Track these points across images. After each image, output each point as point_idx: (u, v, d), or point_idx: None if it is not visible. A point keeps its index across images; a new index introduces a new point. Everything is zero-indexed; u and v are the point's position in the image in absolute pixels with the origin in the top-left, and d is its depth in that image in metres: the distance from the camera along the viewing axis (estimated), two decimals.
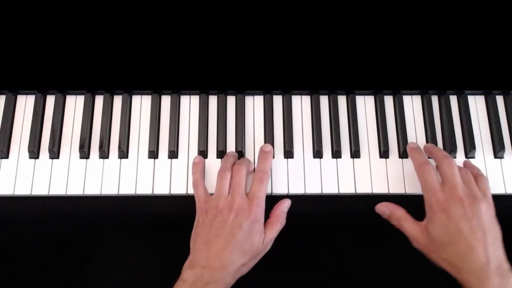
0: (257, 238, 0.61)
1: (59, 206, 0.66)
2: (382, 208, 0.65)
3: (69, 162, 0.67)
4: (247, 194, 0.63)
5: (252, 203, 0.61)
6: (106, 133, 0.68)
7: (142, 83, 0.70)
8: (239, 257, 0.60)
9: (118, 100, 0.71)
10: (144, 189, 0.66)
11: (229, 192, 0.62)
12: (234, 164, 0.65)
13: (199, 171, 0.66)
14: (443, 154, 0.64)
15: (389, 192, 0.66)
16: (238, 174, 0.63)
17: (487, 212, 0.59)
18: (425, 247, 0.61)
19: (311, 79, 0.70)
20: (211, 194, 0.64)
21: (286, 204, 0.66)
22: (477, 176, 0.64)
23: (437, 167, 0.63)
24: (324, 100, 0.71)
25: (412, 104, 0.72)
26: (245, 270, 0.62)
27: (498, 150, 0.68)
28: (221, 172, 0.64)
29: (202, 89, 0.71)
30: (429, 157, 0.66)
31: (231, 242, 0.60)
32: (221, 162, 0.66)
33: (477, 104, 0.72)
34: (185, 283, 0.59)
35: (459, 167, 0.63)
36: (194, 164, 0.66)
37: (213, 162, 0.67)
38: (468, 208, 0.58)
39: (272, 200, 0.66)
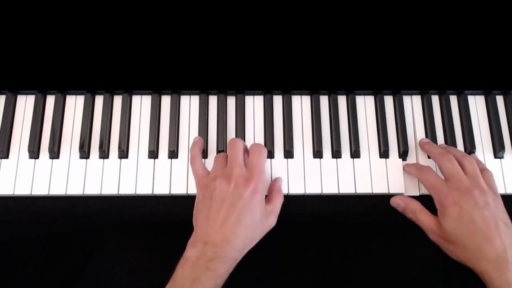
0: (258, 210, 0.60)
1: (59, 206, 0.66)
2: (397, 201, 0.65)
3: (69, 162, 0.67)
4: (245, 166, 0.62)
5: (252, 173, 0.61)
6: (106, 133, 0.68)
7: (142, 83, 0.70)
8: (242, 231, 0.59)
9: (118, 100, 0.71)
10: (144, 189, 0.66)
11: (226, 165, 0.62)
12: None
13: (198, 147, 0.66)
14: (440, 150, 0.64)
15: (389, 192, 0.66)
16: (234, 146, 0.63)
17: (496, 202, 0.60)
18: (442, 239, 0.61)
19: (311, 79, 0.70)
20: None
21: (280, 180, 0.66)
22: (482, 170, 0.64)
23: (438, 164, 0.64)
24: (324, 100, 0.71)
25: (412, 104, 0.72)
26: (250, 244, 0.60)
27: (498, 150, 0.68)
28: (216, 155, 0.64)
29: (202, 89, 0.71)
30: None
31: (233, 214, 0.58)
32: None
33: (477, 104, 0.72)
34: (188, 261, 0.58)
35: (465, 156, 0.64)
36: (194, 143, 0.67)
37: (213, 162, 0.67)
38: (478, 198, 0.59)
39: None
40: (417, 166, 0.65)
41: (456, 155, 0.64)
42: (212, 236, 0.58)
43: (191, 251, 0.58)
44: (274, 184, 0.65)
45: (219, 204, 0.59)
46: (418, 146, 0.69)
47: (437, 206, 0.61)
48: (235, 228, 0.58)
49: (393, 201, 0.65)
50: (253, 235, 0.60)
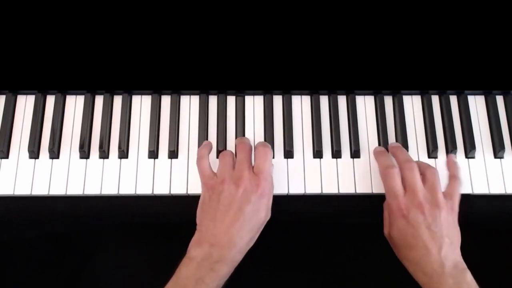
0: (264, 213, 0.60)
1: (59, 206, 0.66)
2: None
3: (69, 162, 0.67)
4: (253, 169, 0.62)
5: (259, 177, 0.61)
6: (106, 133, 0.68)
7: (142, 83, 0.70)
8: (247, 233, 0.59)
9: (118, 100, 0.71)
10: (144, 189, 0.66)
11: (233, 168, 0.62)
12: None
13: (207, 149, 0.65)
14: (405, 157, 0.64)
15: None
16: (243, 150, 0.63)
17: (447, 217, 0.60)
18: (389, 240, 0.62)
19: (311, 79, 0.70)
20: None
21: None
22: (451, 178, 0.64)
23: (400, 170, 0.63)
24: (324, 100, 0.71)
25: (412, 104, 0.72)
26: (251, 244, 0.61)
27: (498, 150, 0.68)
28: (222, 153, 0.64)
29: (202, 89, 0.71)
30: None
31: (239, 218, 0.59)
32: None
33: (477, 104, 0.72)
34: (193, 261, 0.58)
35: (428, 167, 0.63)
36: (203, 145, 0.66)
37: (213, 162, 0.67)
38: (428, 214, 0.59)
39: (272, 200, 0.66)
40: (385, 164, 0.64)
41: (420, 166, 0.63)
42: (218, 238, 0.58)
43: (196, 251, 0.58)
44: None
45: (227, 208, 0.59)
46: (419, 145, 0.69)
47: (387, 212, 0.62)
48: (241, 232, 0.59)
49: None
50: (257, 235, 0.61)
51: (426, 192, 0.60)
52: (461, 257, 0.59)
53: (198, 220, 0.62)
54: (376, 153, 0.67)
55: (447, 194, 0.61)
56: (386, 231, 0.63)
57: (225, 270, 0.58)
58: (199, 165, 0.64)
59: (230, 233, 0.58)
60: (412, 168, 0.61)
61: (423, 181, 0.62)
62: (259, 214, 0.60)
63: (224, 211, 0.59)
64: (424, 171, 0.62)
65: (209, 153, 0.66)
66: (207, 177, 0.63)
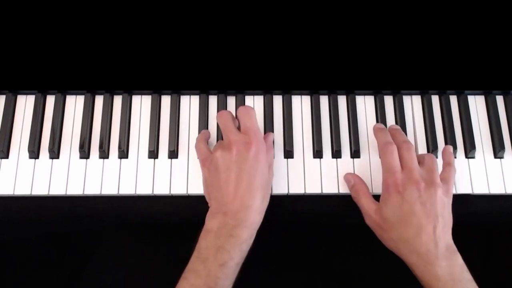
0: (265, 167, 0.61)
1: (59, 206, 0.66)
2: (349, 177, 0.66)
3: (69, 162, 0.67)
4: (239, 131, 0.62)
5: (249, 135, 0.61)
6: (106, 133, 0.68)
7: (142, 83, 0.70)
8: (257, 191, 0.59)
9: (118, 100, 0.71)
10: (144, 189, 0.66)
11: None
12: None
13: (204, 137, 0.67)
14: (403, 138, 0.65)
15: None
16: (222, 116, 0.64)
17: (443, 198, 0.60)
18: (377, 225, 0.62)
19: (311, 79, 0.70)
20: None
21: (272, 136, 0.67)
22: (446, 165, 0.65)
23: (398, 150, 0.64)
24: (324, 100, 0.71)
25: (412, 104, 0.72)
26: (266, 203, 0.61)
27: (498, 150, 0.68)
28: (204, 131, 0.67)
29: (202, 89, 0.71)
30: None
31: (243, 178, 0.59)
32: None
33: (477, 104, 0.72)
34: (210, 232, 0.58)
35: (427, 154, 0.65)
36: (201, 133, 0.68)
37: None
38: (423, 191, 0.59)
39: (272, 200, 0.66)
40: (384, 140, 0.64)
41: (418, 154, 0.65)
42: (229, 205, 0.58)
43: (212, 223, 0.58)
44: (266, 140, 0.65)
45: (227, 173, 0.59)
46: (419, 145, 0.69)
47: (383, 189, 0.62)
48: (250, 191, 0.58)
49: (346, 177, 0.66)
50: (268, 192, 0.61)
51: (423, 171, 0.61)
52: (452, 240, 0.59)
53: (207, 197, 0.62)
54: (376, 130, 0.67)
55: (443, 179, 0.62)
56: (373, 215, 0.62)
57: (245, 234, 0.58)
58: (197, 147, 0.65)
59: (240, 196, 0.58)
60: (409, 148, 0.62)
61: (421, 162, 0.63)
62: (261, 169, 0.60)
63: (226, 177, 0.59)
64: (423, 157, 0.64)
65: (207, 140, 0.67)
66: (203, 154, 0.64)
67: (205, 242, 0.57)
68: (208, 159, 0.62)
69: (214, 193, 0.60)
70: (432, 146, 0.68)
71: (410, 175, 0.60)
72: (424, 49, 0.70)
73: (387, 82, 0.70)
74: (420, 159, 0.64)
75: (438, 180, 0.61)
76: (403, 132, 0.67)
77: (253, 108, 0.65)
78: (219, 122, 0.64)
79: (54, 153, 0.67)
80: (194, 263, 0.57)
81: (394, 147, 0.62)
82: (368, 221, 0.63)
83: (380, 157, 0.64)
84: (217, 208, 0.59)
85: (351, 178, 0.66)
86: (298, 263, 0.73)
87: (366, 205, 0.63)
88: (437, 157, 0.68)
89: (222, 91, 0.71)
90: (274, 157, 0.68)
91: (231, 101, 0.71)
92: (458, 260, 0.58)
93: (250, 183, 0.59)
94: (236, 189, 0.58)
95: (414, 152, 0.63)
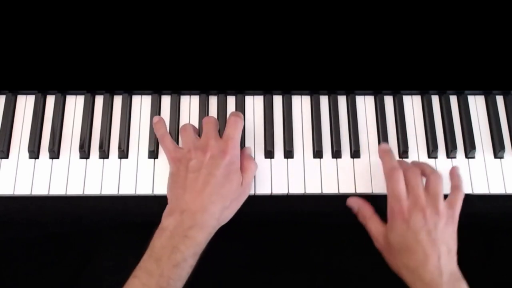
0: (235, 179, 0.60)
1: (59, 206, 0.66)
2: (352, 203, 0.66)
3: (69, 162, 0.67)
4: (220, 138, 0.62)
5: (227, 145, 0.61)
6: (106, 133, 0.68)
7: (142, 83, 0.70)
8: (219, 199, 0.59)
9: (118, 100, 0.71)
10: (144, 189, 0.66)
11: (198, 139, 0.62)
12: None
13: (163, 126, 0.66)
14: (408, 163, 0.64)
15: None
16: (209, 122, 0.64)
17: (448, 226, 0.60)
18: (384, 249, 0.62)
19: (311, 79, 0.70)
20: None
21: (249, 149, 0.66)
22: (454, 189, 0.63)
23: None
24: (324, 100, 0.71)
25: (412, 104, 0.72)
26: (228, 214, 0.61)
27: (498, 150, 0.68)
28: (183, 127, 0.65)
29: (202, 89, 0.71)
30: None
31: (210, 181, 0.58)
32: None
33: (477, 104, 0.72)
34: (165, 230, 0.57)
35: (433, 171, 0.63)
36: (155, 123, 0.66)
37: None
38: (429, 219, 0.59)
39: (272, 201, 0.66)
40: (391, 165, 0.63)
41: (425, 170, 0.63)
42: (190, 203, 0.58)
43: (168, 221, 0.58)
44: (243, 153, 0.65)
45: (196, 174, 0.59)
46: (419, 145, 0.69)
47: (388, 215, 0.61)
48: (212, 196, 0.58)
49: (349, 203, 0.66)
50: (229, 204, 0.60)
51: (428, 197, 0.60)
52: (457, 267, 0.59)
53: (168, 193, 0.62)
54: (381, 152, 0.66)
55: (449, 203, 0.61)
56: (380, 240, 0.62)
57: (200, 236, 0.57)
58: (162, 143, 0.65)
59: (201, 197, 0.58)
60: (416, 173, 0.61)
61: (427, 184, 0.62)
62: (230, 180, 0.60)
63: (194, 177, 0.59)
64: (429, 175, 0.62)
65: (167, 128, 0.66)
66: (172, 152, 0.63)
67: (160, 241, 0.57)
68: (178, 157, 0.62)
69: (177, 190, 0.60)
70: (432, 146, 0.68)
71: (416, 201, 0.60)
72: (424, 49, 0.70)
73: (387, 82, 0.70)
74: (426, 176, 0.63)
75: (442, 207, 0.60)
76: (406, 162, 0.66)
77: (243, 120, 0.65)
78: (204, 126, 0.64)
79: (54, 153, 0.67)
80: (147, 262, 0.57)
81: (401, 173, 0.61)
82: (376, 245, 0.63)
83: (386, 182, 0.63)
84: (176, 205, 0.59)
85: (355, 204, 0.65)
86: (298, 263, 0.73)
87: (374, 229, 0.63)
88: (436, 157, 0.68)
89: (222, 91, 0.71)
90: (274, 159, 0.68)
91: (231, 101, 0.71)
92: (462, 287, 0.57)
93: (215, 189, 0.59)
94: (200, 191, 0.58)
95: (420, 177, 0.62)
